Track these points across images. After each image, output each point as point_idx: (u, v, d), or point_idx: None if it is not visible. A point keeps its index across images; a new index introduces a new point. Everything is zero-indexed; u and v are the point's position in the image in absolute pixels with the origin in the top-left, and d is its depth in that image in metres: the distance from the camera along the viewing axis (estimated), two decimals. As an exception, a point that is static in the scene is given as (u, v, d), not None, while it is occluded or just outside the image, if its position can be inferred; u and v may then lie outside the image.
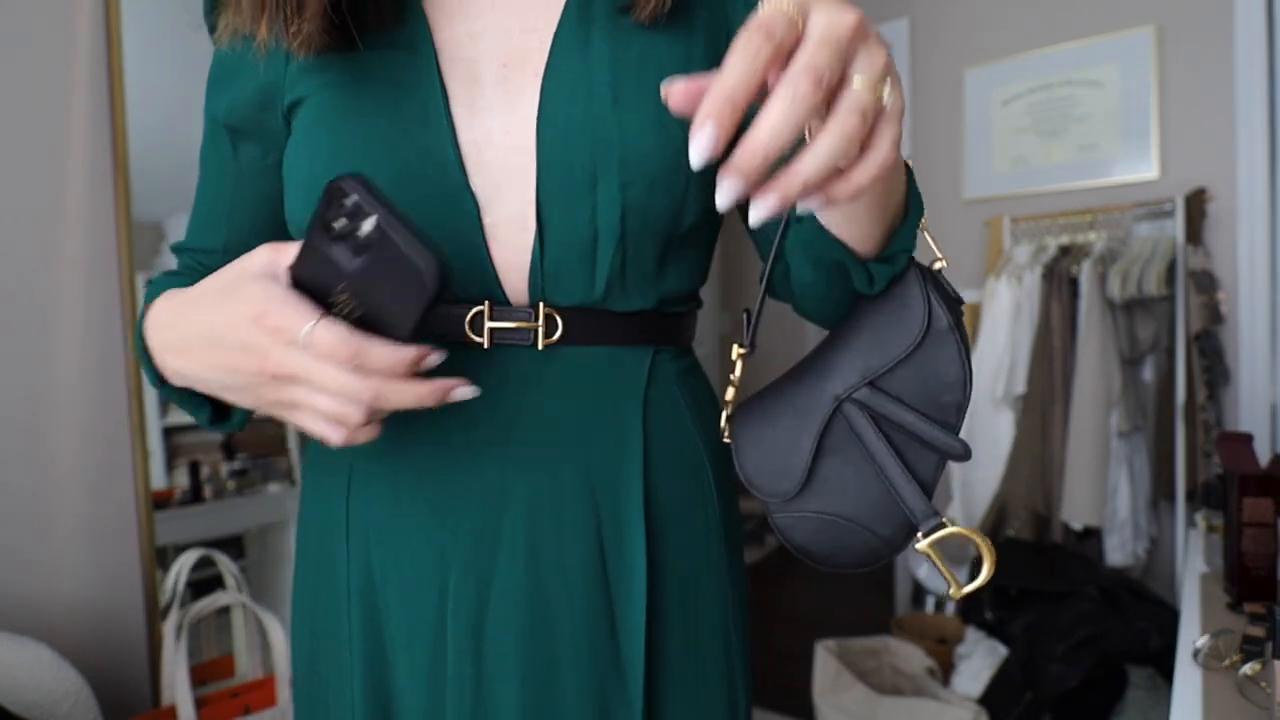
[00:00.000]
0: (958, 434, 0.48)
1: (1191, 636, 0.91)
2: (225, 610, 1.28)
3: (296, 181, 0.50)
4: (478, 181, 0.49)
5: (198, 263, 0.58)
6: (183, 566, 1.26)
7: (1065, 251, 2.17)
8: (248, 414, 0.52)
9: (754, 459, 0.51)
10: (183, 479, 1.49)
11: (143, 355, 0.49)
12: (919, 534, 0.48)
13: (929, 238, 0.50)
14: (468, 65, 0.50)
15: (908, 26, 2.66)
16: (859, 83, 0.28)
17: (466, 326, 0.49)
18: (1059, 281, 2.11)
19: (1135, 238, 2.11)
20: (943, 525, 0.47)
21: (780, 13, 0.28)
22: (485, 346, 0.49)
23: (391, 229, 0.35)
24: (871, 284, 0.48)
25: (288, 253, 0.39)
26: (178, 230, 1.44)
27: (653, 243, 0.50)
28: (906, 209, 0.47)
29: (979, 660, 1.87)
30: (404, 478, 0.52)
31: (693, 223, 0.52)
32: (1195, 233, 2.03)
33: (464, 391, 0.40)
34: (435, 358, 0.38)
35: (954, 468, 2.30)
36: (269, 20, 0.46)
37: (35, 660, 1.05)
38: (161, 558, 1.36)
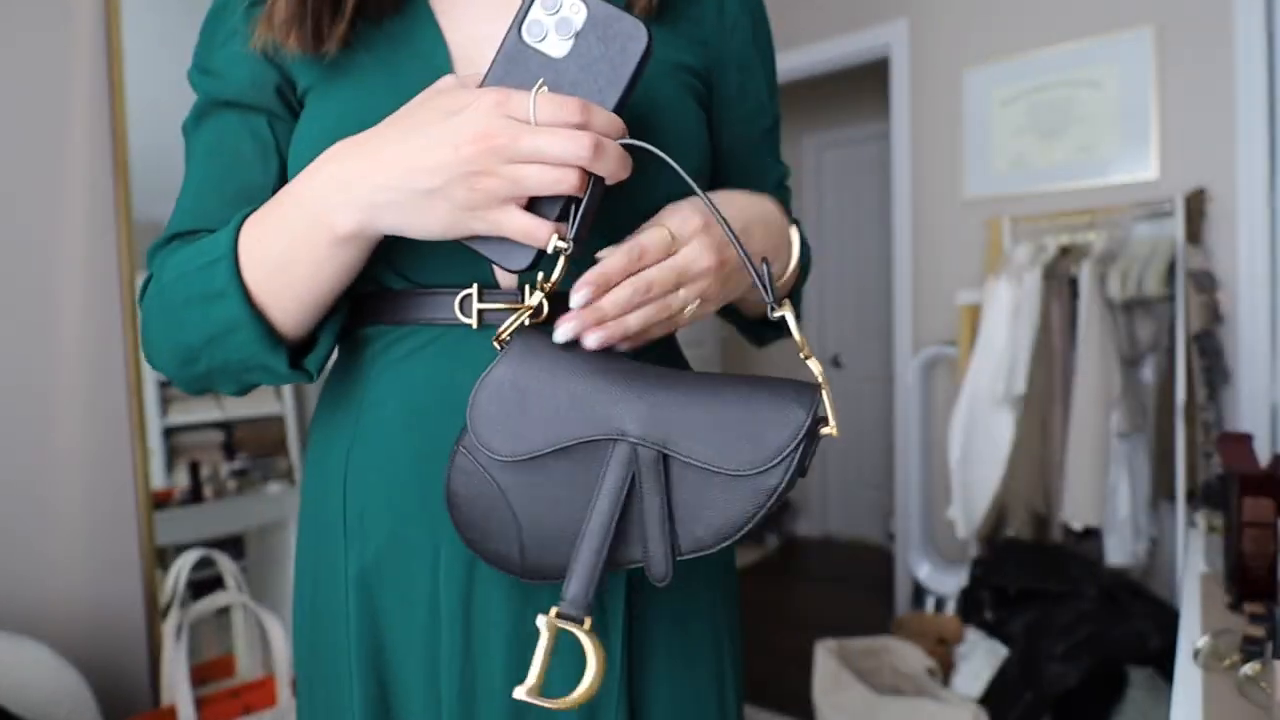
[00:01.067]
0: (680, 554, 0.44)
1: (1191, 637, 0.91)
2: (225, 610, 1.28)
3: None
4: None
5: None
6: (183, 566, 1.26)
7: (1065, 252, 2.17)
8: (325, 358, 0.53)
9: (504, 395, 0.46)
10: (183, 479, 1.49)
11: (235, 282, 0.47)
12: (552, 609, 0.44)
13: (790, 323, 0.47)
14: (472, 45, 0.53)
15: (908, 26, 2.66)
16: (678, 297, 0.46)
17: (456, 309, 0.51)
18: (1059, 282, 2.11)
19: (1135, 238, 2.11)
20: (568, 624, 0.43)
21: (663, 239, 0.45)
22: (474, 327, 0.51)
23: (596, 3, 0.40)
24: (760, 336, 0.62)
25: (471, 76, 0.43)
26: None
27: None
28: (797, 281, 0.59)
29: (979, 660, 1.87)
30: (399, 459, 0.53)
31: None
32: (1195, 233, 2.03)
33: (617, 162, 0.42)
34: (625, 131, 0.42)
35: (953, 468, 2.30)
36: (299, 35, 0.50)
37: (35, 660, 1.05)
38: (161, 558, 1.36)
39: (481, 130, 0.39)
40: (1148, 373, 2.14)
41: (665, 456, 0.44)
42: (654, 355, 0.58)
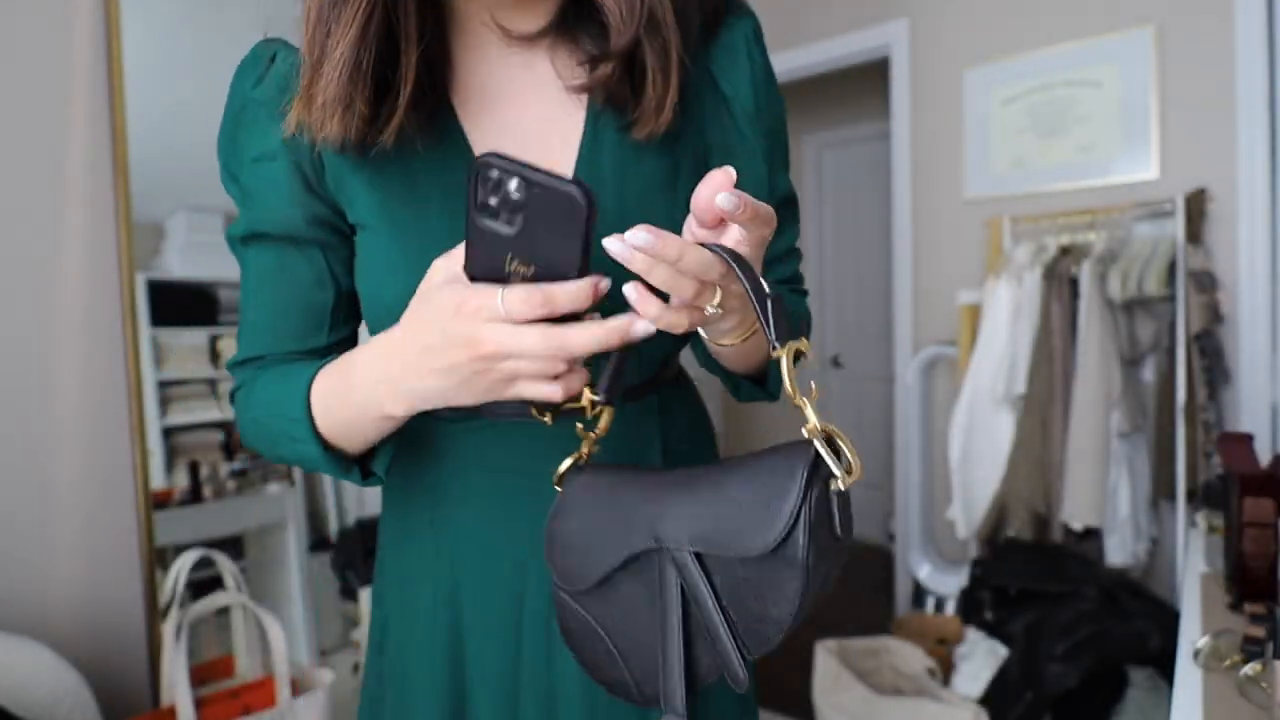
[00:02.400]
0: (751, 655, 0.44)
1: (1192, 637, 0.91)
2: (225, 610, 1.27)
3: (383, 302, 0.57)
4: None
5: (286, 360, 0.63)
6: (182, 566, 1.26)
7: (1065, 252, 2.17)
8: (390, 460, 0.60)
9: (570, 531, 0.50)
10: (182, 479, 1.49)
11: (307, 424, 0.54)
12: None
13: (787, 381, 0.44)
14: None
15: (908, 26, 2.66)
16: (709, 299, 0.45)
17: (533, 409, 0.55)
18: (1059, 282, 2.11)
19: (1135, 238, 2.11)
20: None
21: (710, 256, 0.43)
22: (548, 423, 0.54)
23: (534, 177, 0.40)
24: (737, 391, 0.62)
25: (456, 255, 0.44)
26: (178, 230, 1.44)
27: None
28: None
29: (979, 661, 1.87)
30: (489, 500, 0.61)
31: None
32: (1195, 232, 2.03)
33: (641, 327, 0.43)
34: (605, 283, 0.42)
35: (954, 468, 2.30)
36: (342, 120, 0.51)
37: (35, 660, 1.05)
38: (161, 558, 1.36)
39: (470, 338, 0.43)
40: (1148, 373, 2.14)
41: (699, 555, 0.45)
42: (677, 399, 0.68)
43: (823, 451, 0.41)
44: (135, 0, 1.34)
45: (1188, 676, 0.84)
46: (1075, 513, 2.03)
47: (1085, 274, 2.05)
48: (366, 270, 0.59)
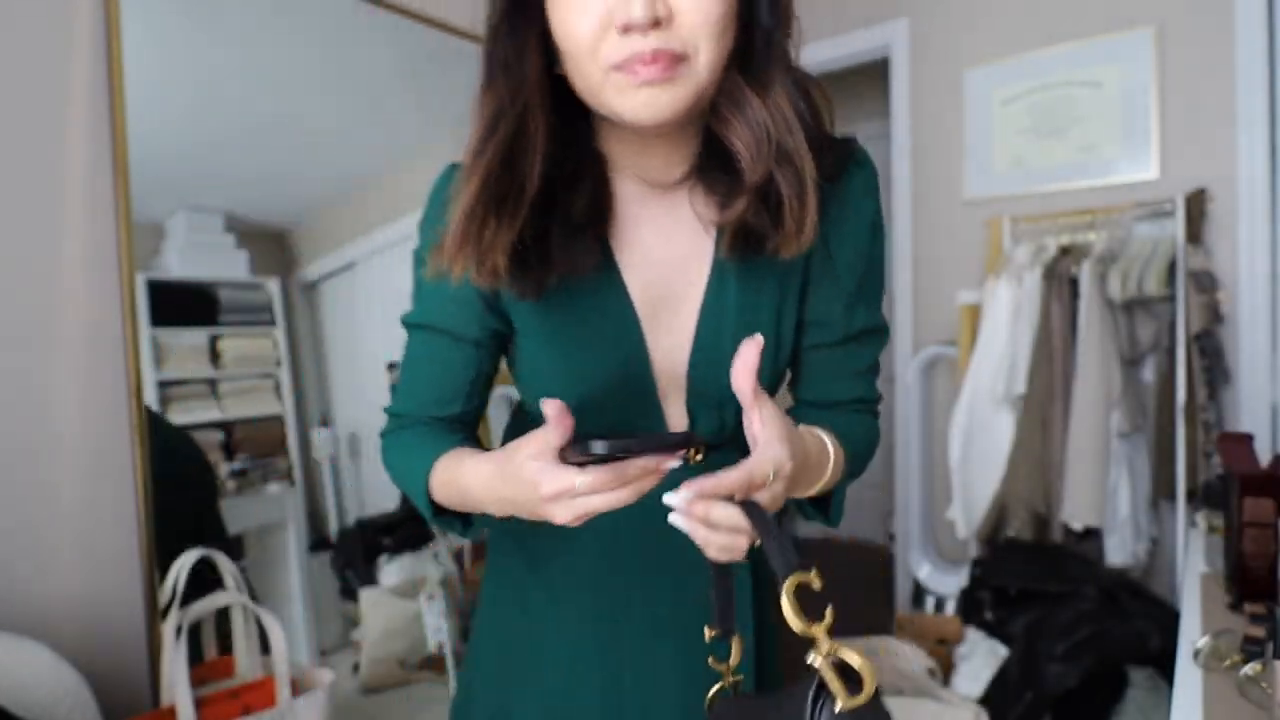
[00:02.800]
0: None
1: (1192, 637, 0.91)
2: (225, 611, 1.27)
3: (538, 396, 0.63)
4: (658, 383, 0.69)
5: (426, 423, 0.74)
6: (182, 566, 1.26)
7: (1065, 252, 2.17)
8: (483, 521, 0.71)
9: None
10: (182, 479, 1.49)
11: (425, 499, 0.67)
12: None
13: (791, 617, 0.50)
14: (646, 297, 0.68)
15: (908, 26, 2.66)
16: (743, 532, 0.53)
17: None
18: (1059, 282, 2.11)
19: (1135, 238, 2.11)
20: None
21: (766, 477, 0.52)
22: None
23: (643, 449, 0.50)
24: (801, 511, 0.70)
25: (546, 437, 0.52)
26: (177, 230, 1.44)
27: None
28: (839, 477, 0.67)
29: (979, 660, 1.86)
30: (584, 555, 0.75)
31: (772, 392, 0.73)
32: (1195, 232, 2.03)
33: (671, 463, 0.52)
34: (669, 464, 0.52)
35: (954, 468, 2.30)
36: (463, 261, 0.59)
37: (34, 660, 1.05)
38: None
39: (547, 514, 0.54)
40: (1148, 372, 2.14)
41: None
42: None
43: (829, 679, 0.45)
44: (135, 1, 1.34)
45: (1188, 676, 0.84)
46: (1075, 513, 2.03)
47: (1085, 274, 2.05)
48: (528, 370, 0.71)
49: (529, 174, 0.58)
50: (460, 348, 0.70)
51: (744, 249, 0.64)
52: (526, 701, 0.77)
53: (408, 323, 0.73)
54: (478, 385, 0.73)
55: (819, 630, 0.47)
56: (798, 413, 0.77)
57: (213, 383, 1.50)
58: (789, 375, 0.76)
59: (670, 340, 0.68)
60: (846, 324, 0.71)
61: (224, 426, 1.53)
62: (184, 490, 1.49)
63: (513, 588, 0.80)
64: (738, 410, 0.69)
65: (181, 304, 1.45)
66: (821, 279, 0.69)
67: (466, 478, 0.62)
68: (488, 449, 0.65)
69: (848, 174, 0.67)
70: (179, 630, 1.13)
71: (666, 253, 0.68)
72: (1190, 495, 1.94)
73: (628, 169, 0.66)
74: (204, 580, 1.27)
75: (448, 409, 0.73)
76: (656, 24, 0.52)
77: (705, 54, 0.55)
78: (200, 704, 1.10)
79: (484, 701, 0.80)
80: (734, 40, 0.57)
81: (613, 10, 0.52)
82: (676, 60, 0.54)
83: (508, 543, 0.81)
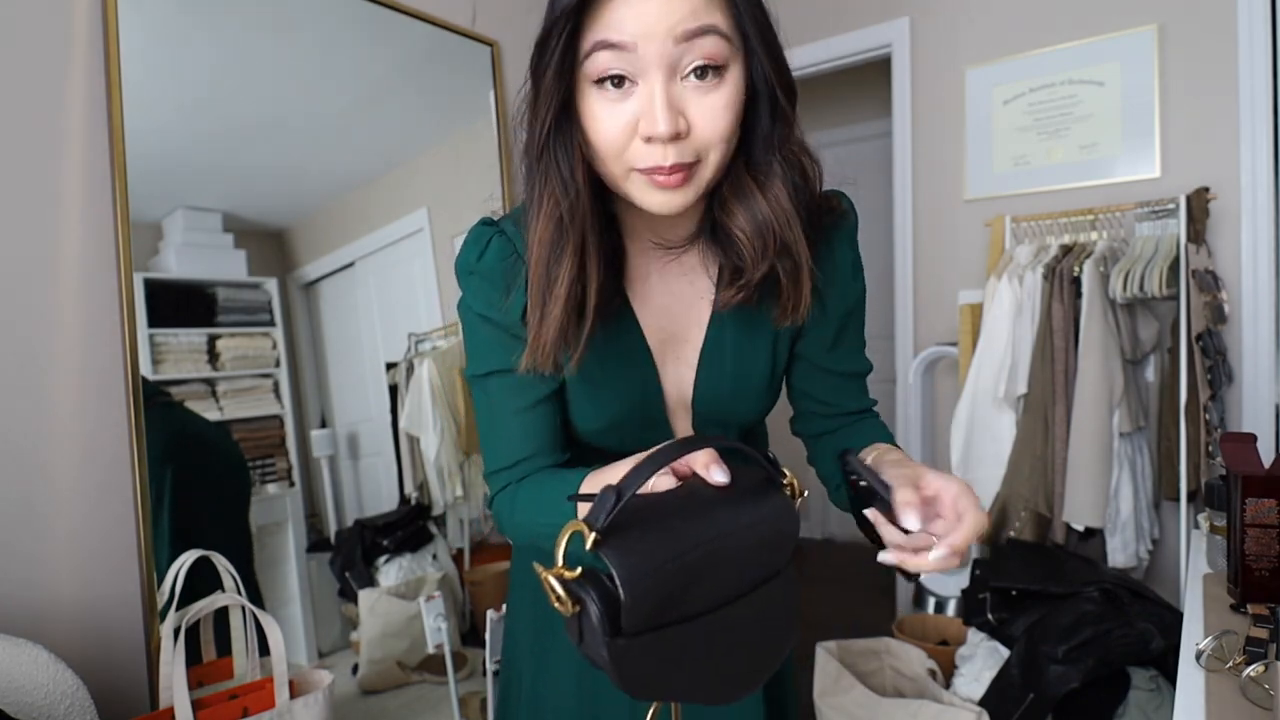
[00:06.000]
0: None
1: (1194, 638, 0.90)
2: (223, 611, 1.27)
3: (582, 433, 0.78)
4: (668, 404, 0.79)
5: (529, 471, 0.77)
6: (181, 567, 1.25)
7: (1067, 251, 2.17)
8: None
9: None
10: (181, 480, 1.48)
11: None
12: None
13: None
14: (656, 337, 0.76)
15: (908, 26, 2.65)
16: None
17: None
18: (1060, 281, 2.10)
19: (1137, 237, 2.10)
20: None
21: (979, 529, 0.59)
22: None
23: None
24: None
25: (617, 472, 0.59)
26: (175, 230, 1.44)
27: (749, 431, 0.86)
28: None
29: (980, 662, 1.86)
30: None
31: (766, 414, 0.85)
32: (1198, 232, 2.02)
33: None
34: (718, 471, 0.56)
35: (955, 468, 2.29)
36: (557, 357, 0.67)
37: (32, 661, 1.04)
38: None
39: None
40: (1150, 372, 2.13)
41: None
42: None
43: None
44: (133, 1, 1.34)
45: (1190, 678, 0.84)
46: (1077, 513, 2.03)
47: (1087, 273, 2.04)
48: (571, 410, 0.76)
49: (594, 276, 0.66)
50: (531, 384, 0.73)
51: (739, 308, 0.73)
52: (558, 678, 0.83)
53: (477, 375, 0.76)
54: (542, 419, 0.77)
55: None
56: (801, 416, 0.87)
57: (211, 383, 1.49)
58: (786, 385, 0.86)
59: (677, 370, 0.78)
60: (828, 367, 0.81)
61: (222, 427, 1.53)
62: (221, 485, 1.51)
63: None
64: (739, 429, 0.82)
65: (180, 304, 1.45)
66: (809, 329, 0.78)
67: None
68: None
69: (834, 225, 0.76)
70: (177, 631, 1.12)
71: (672, 299, 0.76)
72: (1192, 496, 1.93)
73: (640, 230, 0.74)
74: (204, 581, 1.27)
75: (558, 455, 0.77)
76: (676, 137, 0.59)
77: (714, 157, 0.63)
78: (198, 705, 1.10)
79: (520, 686, 0.88)
80: (738, 139, 0.65)
81: (639, 122, 0.60)
82: (690, 168, 0.62)
83: None
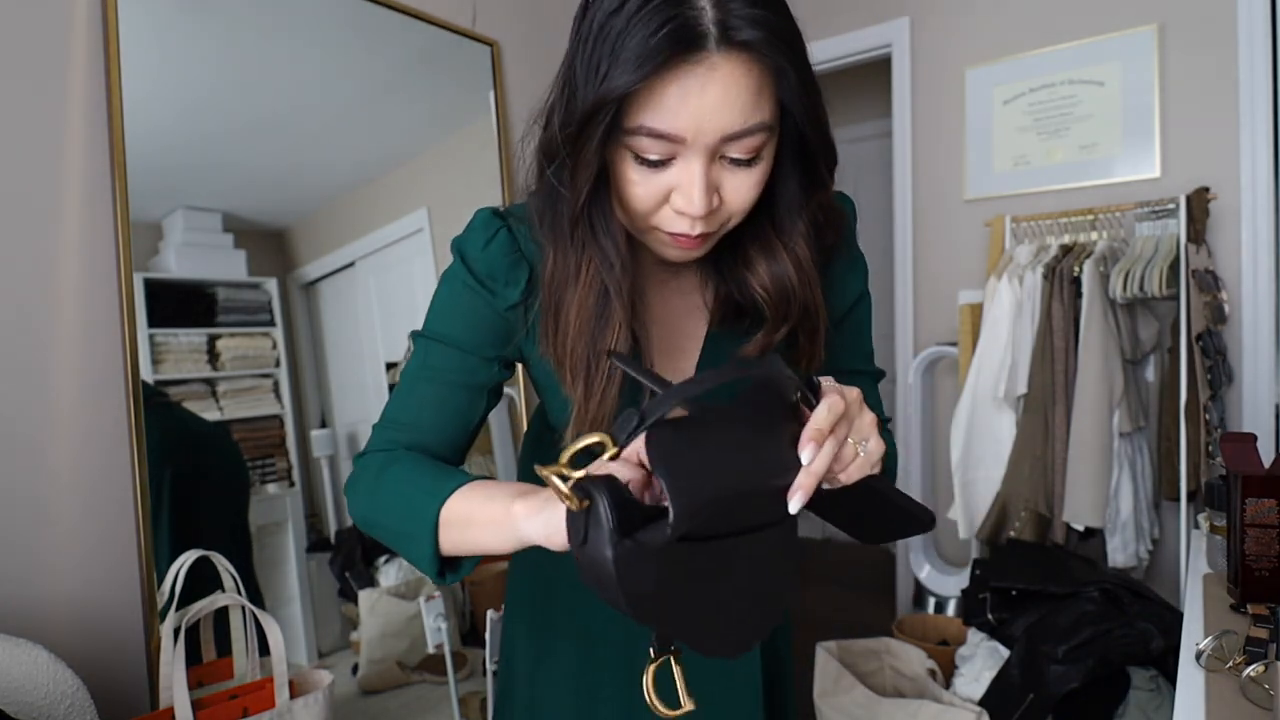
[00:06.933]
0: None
1: (1194, 638, 0.90)
2: (223, 611, 1.27)
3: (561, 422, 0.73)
4: None
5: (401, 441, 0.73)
6: (181, 567, 1.25)
7: (1067, 251, 2.17)
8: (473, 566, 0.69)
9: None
10: (181, 480, 1.48)
11: (432, 533, 0.63)
12: None
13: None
14: (654, 348, 0.72)
15: (908, 26, 2.65)
16: (850, 441, 0.52)
17: None
18: (1060, 281, 2.10)
19: (1137, 237, 2.10)
20: None
21: (854, 397, 0.53)
22: None
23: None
24: None
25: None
26: (175, 230, 1.44)
27: None
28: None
29: (980, 662, 1.86)
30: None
31: None
32: (1198, 232, 2.02)
33: None
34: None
35: (955, 468, 2.29)
36: (585, 394, 0.65)
37: (32, 662, 1.04)
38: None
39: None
40: (1150, 372, 2.13)
41: None
42: None
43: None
44: (133, 1, 1.34)
45: (1190, 678, 0.84)
46: (1077, 513, 2.03)
47: (1087, 273, 2.04)
48: (554, 397, 0.74)
49: (624, 307, 0.66)
50: (475, 369, 0.71)
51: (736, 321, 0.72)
52: (555, 680, 0.82)
53: (426, 333, 0.73)
54: (479, 425, 0.74)
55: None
56: None
57: (211, 383, 1.49)
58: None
59: (674, 365, 0.76)
60: (834, 360, 0.78)
61: (222, 427, 1.53)
62: (221, 485, 1.51)
63: (537, 570, 0.86)
64: None
65: (180, 304, 1.45)
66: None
67: (494, 509, 0.59)
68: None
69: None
70: (177, 631, 1.13)
71: (667, 312, 0.76)
72: (1192, 496, 1.93)
73: (638, 245, 0.73)
74: (204, 580, 1.27)
75: (453, 451, 0.73)
76: (708, 212, 0.60)
77: (736, 220, 0.63)
78: (198, 705, 1.10)
79: (517, 688, 0.87)
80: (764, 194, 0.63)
81: (673, 194, 0.59)
82: (714, 233, 0.63)
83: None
